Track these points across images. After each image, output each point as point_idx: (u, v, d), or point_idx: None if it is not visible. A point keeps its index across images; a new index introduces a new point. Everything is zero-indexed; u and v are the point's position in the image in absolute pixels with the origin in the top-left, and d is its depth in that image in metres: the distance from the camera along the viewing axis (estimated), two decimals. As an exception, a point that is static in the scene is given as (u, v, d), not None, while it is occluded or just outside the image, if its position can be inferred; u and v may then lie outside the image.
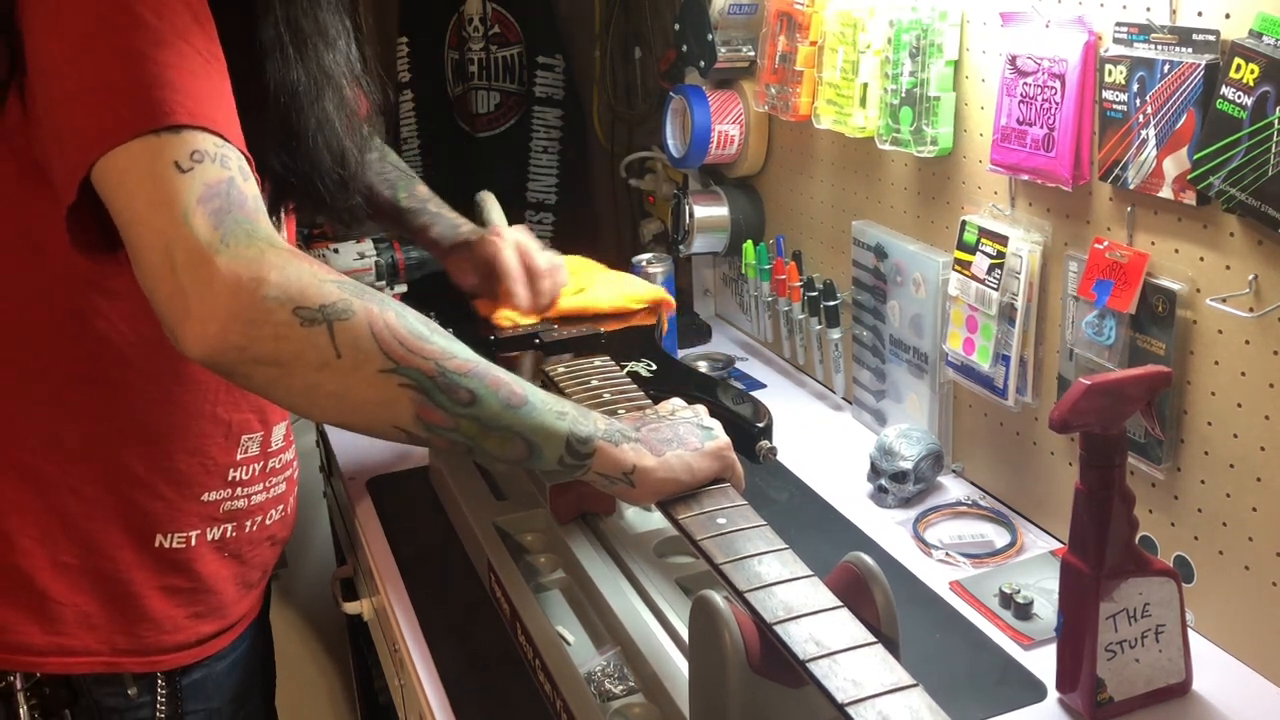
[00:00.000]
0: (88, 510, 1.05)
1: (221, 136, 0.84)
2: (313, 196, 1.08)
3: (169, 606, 1.09)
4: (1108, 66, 1.08)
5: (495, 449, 0.89)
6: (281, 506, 1.19)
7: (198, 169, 0.81)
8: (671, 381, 1.30)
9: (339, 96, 1.05)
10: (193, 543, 1.10)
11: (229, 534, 1.12)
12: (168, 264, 0.78)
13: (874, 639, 0.78)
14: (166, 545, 1.08)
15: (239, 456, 1.12)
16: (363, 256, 1.85)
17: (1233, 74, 0.94)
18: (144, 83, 0.82)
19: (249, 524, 1.14)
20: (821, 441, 1.54)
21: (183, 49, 0.85)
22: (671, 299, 1.54)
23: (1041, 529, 1.29)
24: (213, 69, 0.87)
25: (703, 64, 1.75)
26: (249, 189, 0.84)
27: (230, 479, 1.11)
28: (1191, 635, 1.03)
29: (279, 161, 1.02)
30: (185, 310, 0.78)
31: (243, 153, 0.86)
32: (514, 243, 1.40)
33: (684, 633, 1.01)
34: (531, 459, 0.91)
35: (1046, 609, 1.13)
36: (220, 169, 0.82)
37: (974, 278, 1.29)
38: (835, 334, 1.61)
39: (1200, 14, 1.00)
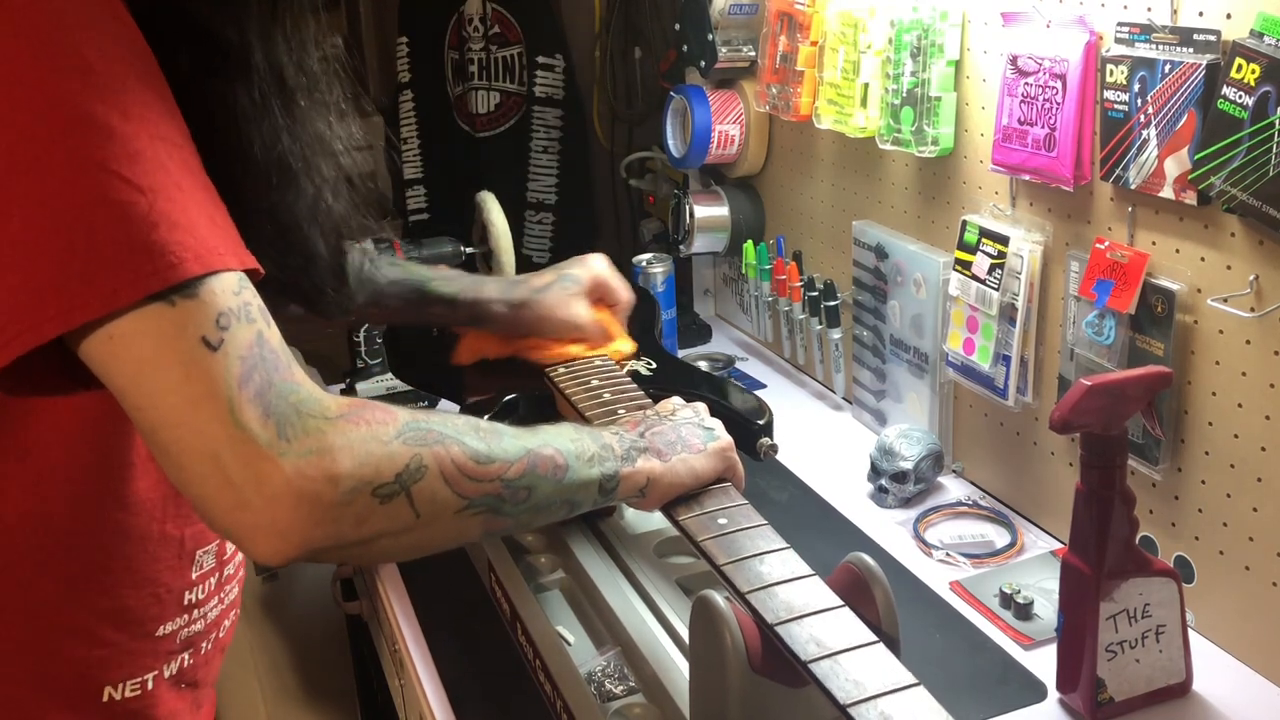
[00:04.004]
0: (6, 681, 0.83)
1: (231, 270, 0.70)
2: (304, 294, 0.91)
3: None
4: (1109, 66, 1.08)
5: (543, 520, 0.88)
6: (234, 612, 0.99)
7: (228, 338, 0.68)
8: (671, 379, 1.30)
9: (334, 164, 0.89)
10: (150, 686, 0.89)
11: (185, 663, 0.93)
12: (219, 473, 0.67)
13: (875, 639, 0.78)
14: (119, 696, 0.88)
15: (194, 575, 0.91)
16: (363, 256, 1.84)
17: (1234, 74, 0.94)
18: (133, 218, 0.66)
19: (204, 645, 0.95)
20: (821, 441, 1.54)
21: (160, 155, 0.68)
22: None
23: (1041, 529, 1.29)
24: (187, 156, 0.71)
25: (703, 64, 1.75)
26: (273, 334, 0.71)
27: (186, 603, 0.91)
28: (1192, 635, 1.02)
29: (271, 264, 0.78)
30: (255, 526, 0.69)
31: (249, 269, 0.72)
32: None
33: (684, 633, 1.01)
34: (571, 513, 0.90)
35: (1047, 609, 1.13)
36: (246, 325, 0.69)
37: (975, 278, 1.29)
38: (835, 334, 1.61)
39: (1201, 14, 1.00)
